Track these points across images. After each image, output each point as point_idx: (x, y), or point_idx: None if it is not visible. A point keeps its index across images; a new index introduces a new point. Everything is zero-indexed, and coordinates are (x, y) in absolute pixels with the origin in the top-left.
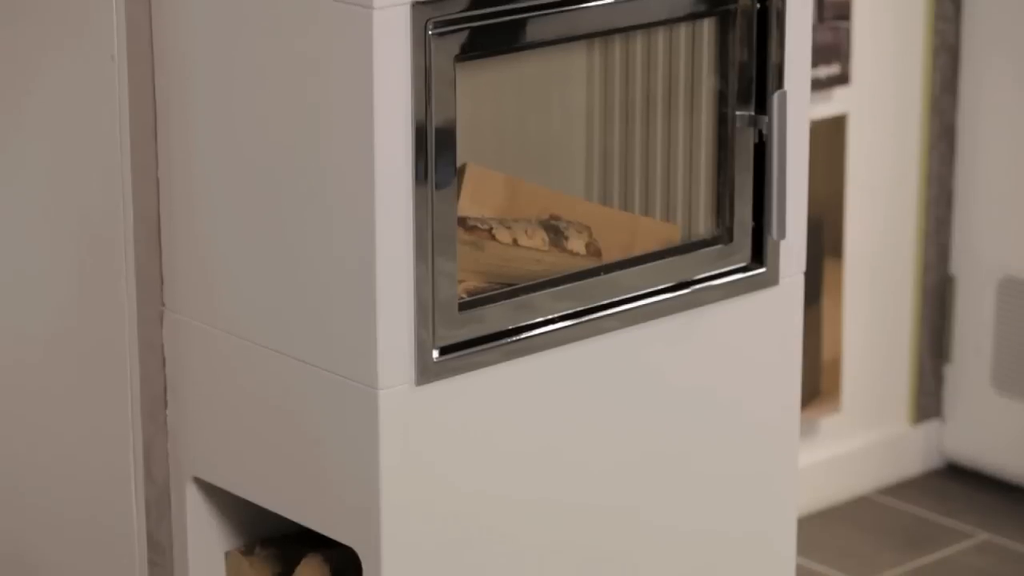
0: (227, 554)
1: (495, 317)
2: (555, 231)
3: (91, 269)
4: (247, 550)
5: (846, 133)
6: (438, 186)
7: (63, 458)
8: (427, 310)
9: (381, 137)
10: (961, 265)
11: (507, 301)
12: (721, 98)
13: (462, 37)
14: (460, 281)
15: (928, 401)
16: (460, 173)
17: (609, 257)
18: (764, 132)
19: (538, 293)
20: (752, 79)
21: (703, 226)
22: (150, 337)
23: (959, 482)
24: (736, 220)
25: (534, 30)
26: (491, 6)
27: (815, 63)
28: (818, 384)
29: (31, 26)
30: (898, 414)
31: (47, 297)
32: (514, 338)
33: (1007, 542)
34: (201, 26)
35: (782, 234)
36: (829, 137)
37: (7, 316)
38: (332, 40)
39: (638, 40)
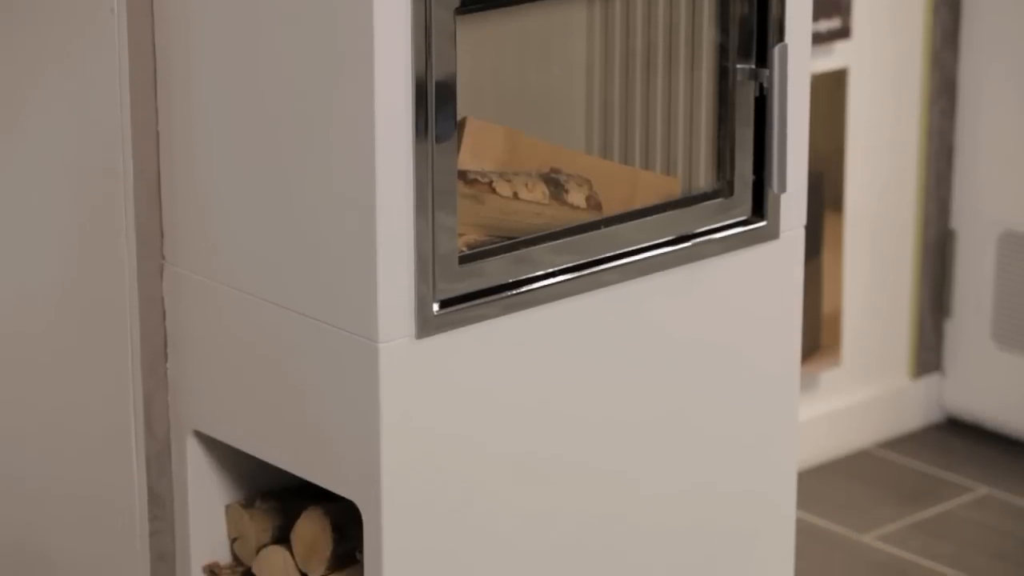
0: (227, 507)
1: (495, 270)
2: (555, 184)
3: (91, 224)
4: (247, 503)
5: (847, 87)
6: (438, 140)
7: (63, 414)
8: (427, 263)
9: (381, 91)
10: (962, 220)
11: (507, 254)
12: (722, 51)
13: None
14: (460, 234)
15: (928, 355)
16: (460, 127)
17: (609, 210)
18: (765, 85)
19: (538, 246)
20: (753, 32)
21: (704, 180)
22: (150, 291)
23: (959, 436)
24: (737, 174)
25: None
26: None
27: (815, 17)
28: (818, 338)
29: None
30: (898, 368)
31: (47, 252)
32: (514, 291)
33: (1007, 496)
34: None
35: (783, 187)
36: (829, 91)
37: (7, 272)
38: None
39: None
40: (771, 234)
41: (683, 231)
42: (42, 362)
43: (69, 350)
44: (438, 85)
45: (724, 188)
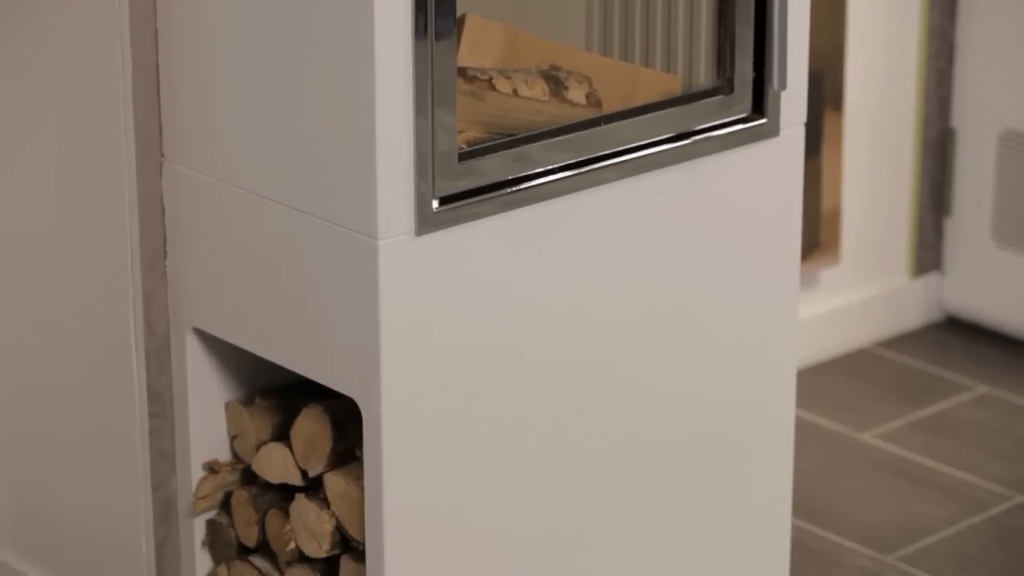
0: (227, 405)
1: (495, 168)
2: (555, 81)
3: (90, 121)
4: (247, 401)
5: None
6: (438, 37)
7: (63, 311)
8: (427, 160)
9: None
10: (962, 118)
11: (507, 152)
12: None
13: None
14: (460, 131)
15: (928, 254)
16: (460, 23)
17: (609, 108)
18: None
19: (538, 144)
20: None
21: (703, 77)
22: (149, 188)
23: (958, 335)
24: (737, 71)
25: None
26: None
27: None
28: (817, 236)
29: None
30: (898, 267)
31: (47, 150)
32: (514, 189)
33: (1006, 394)
34: None
35: (783, 85)
36: None
37: (7, 169)
38: None
39: None
40: (771, 131)
41: (683, 128)
42: (42, 260)
43: (68, 248)
44: None
45: (724, 85)
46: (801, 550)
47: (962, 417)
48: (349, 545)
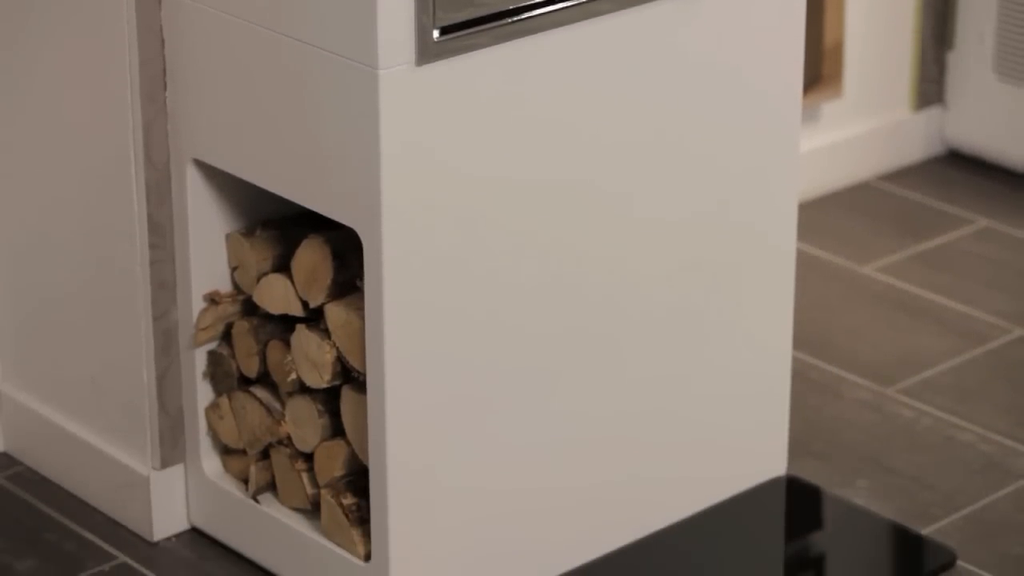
0: (228, 236)
1: None
2: None
3: None
4: (248, 232)
5: None
6: None
7: (64, 141)
8: None
9: None
10: None
11: None
12: None
13: None
14: None
15: (930, 88)
16: None
17: None
18: None
19: None
20: None
21: None
22: (148, 20)
23: (959, 168)
24: None
25: None
26: None
27: None
28: (820, 70)
29: None
30: (900, 100)
31: None
32: (513, 19)
33: (1006, 227)
34: None
35: None
36: None
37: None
38: None
39: None
40: None
41: None
42: (41, 91)
43: (68, 78)
44: None
45: None
46: (801, 382)
47: (963, 250)
48: (350, 375)
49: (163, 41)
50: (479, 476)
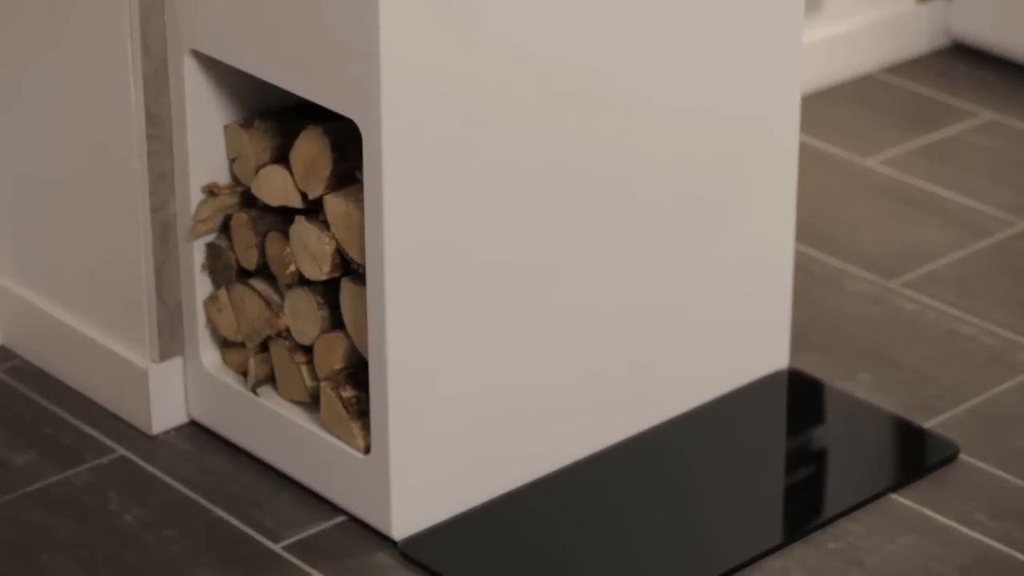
0: (226, 127)
1: None
2: None
3: None
4: (246, 123)
5: None
6: None
7: (58, 33)
8: None
9: None
10: None
11: None
12: None
13: None
14: None
15: None
16: None
17: None
18: None
19: None
20: None
21: None
22: None
23: (964, 61)
24: None
25: None
26: None
27: None
28: None
29: None
30: None
31: None
32: None
33: (1010, 120)
34: None
35: None
36: None
37: None
38: None
39: None
40: None
41: None
42: None
43: None
44: None
45: None
46: (804, 274)
47: (966, 143)
48: (349, 267)
49: None
50: (479, 370)
